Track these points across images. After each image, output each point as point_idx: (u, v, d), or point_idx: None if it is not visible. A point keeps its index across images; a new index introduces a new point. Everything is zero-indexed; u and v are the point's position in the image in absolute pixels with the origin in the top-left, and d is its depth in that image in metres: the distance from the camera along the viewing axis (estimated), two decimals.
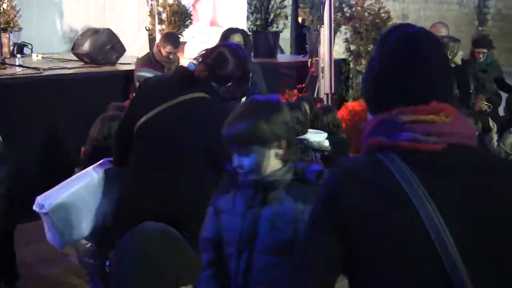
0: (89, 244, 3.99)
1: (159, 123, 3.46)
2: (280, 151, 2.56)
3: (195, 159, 3.41)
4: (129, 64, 8.37)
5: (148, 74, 6.13)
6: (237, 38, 5.83)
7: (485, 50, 7.86)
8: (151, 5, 9.05)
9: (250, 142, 2.53)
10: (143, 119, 3.46)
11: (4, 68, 7.39)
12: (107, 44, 8.36)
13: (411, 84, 1.71)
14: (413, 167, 1.64)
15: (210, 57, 3.49)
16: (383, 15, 10.16)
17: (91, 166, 3.76)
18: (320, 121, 5.71)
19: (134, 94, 5.04)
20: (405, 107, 1.68)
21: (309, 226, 1.79)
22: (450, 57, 6.62)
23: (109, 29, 8.66)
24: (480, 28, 25.76)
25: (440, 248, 1.58)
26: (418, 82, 1.71)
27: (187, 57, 8.73)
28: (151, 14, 9.08)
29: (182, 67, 3.87)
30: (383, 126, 1.71)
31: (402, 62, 1.73)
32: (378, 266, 1.65)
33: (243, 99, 3.76)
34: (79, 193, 3.61)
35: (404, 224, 1.63)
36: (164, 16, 8.82)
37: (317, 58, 7.98)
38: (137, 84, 6.15)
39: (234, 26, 6.37)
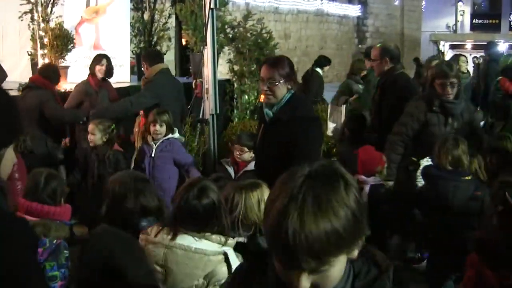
0: None
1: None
2: None
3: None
4: (11, 90, 8.22)
5: None
6: None
7: None
8: (33, 29, 8.92)
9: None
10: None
11: None
12: None
13: None
14: None
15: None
16: (265, 35, 10.45)
17: None
18: None
19: None
20: None
21: None
22: None
23: None
24: (360, 45, 26.79)
25: None
26: None
27: (70, 82, 8.65)
28: (33, 38, 8.96)
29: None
30: None
31: None
32: None
33: None
34: None
35: None
36: (46, 40, 8.73)
37: (201, 79, 8.07)
38: None
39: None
